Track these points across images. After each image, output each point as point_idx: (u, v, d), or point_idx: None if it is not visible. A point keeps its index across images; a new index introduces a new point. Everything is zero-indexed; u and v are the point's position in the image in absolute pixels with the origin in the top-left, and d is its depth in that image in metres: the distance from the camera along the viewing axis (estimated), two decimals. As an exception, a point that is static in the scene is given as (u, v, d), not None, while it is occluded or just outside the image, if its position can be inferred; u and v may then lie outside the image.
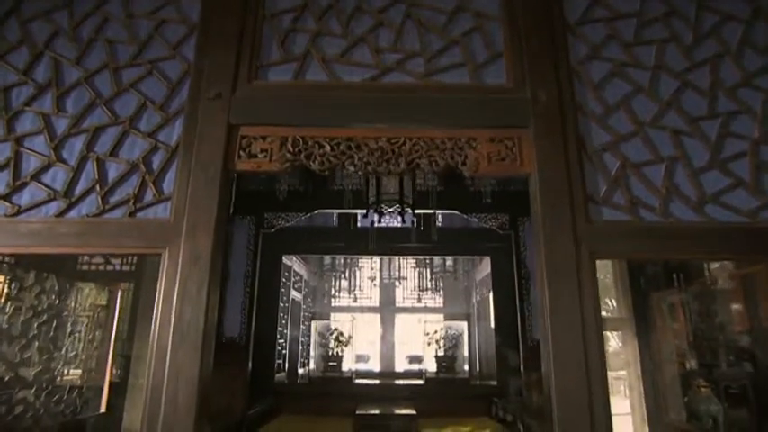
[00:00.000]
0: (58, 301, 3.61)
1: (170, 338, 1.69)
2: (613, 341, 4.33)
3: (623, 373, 4.05)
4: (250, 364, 5.17)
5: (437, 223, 6.69)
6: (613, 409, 1.67)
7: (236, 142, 1.94)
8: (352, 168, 1.89)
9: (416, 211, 5.48)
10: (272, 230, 5.54)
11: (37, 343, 3.38)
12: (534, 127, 1.94)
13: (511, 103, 2.00)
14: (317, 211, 5.62)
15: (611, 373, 1.78)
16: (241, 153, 1.93)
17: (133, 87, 2.07)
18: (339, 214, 6.98)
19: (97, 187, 1.92)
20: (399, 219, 8.47)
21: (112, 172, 1.94)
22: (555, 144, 1.91)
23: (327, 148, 1.92)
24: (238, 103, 1.98)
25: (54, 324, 3.55)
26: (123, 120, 2.02)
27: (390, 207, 4.45)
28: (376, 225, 7.55)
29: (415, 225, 6.49)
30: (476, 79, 2.07)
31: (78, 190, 1.92)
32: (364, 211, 5.09)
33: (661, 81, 2.07)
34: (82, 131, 2.00)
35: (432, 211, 5.50)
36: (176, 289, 1.73)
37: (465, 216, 5.60)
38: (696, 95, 2.05)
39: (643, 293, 3.90)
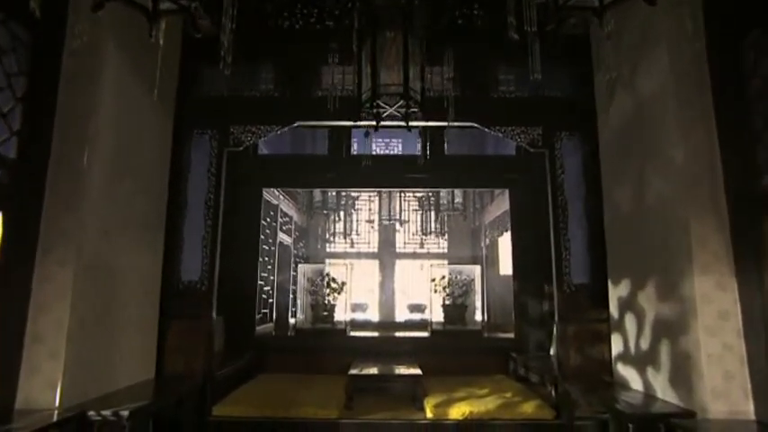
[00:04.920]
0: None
1: None
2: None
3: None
4: (214, 314, 4.11)
5: (445, 145, 5.46)
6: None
7: None
8: None
9: (425, 124, 4.28)
10: (240, 148, 4.30)
11: None
12: None
13: None
14: (297, 124, 4.34)
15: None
16: None
17: None
18: (329, 136, 5.70)
19: None
20: (401, 137, 7.23)
21: None
22: None
23: None
24: None
25: None
26: None
27: (391, 104, 3.20)
28: (373, 152, 6.38)
29: (421, 147, 5.27)
30: None
31: None
32: (354, 123, 3.89)
33: None
34: None
35: (444, 124, 4.24)
36: None
37: (486, 129, 4.34)
38: None
39: (750, 217, 2.73)
